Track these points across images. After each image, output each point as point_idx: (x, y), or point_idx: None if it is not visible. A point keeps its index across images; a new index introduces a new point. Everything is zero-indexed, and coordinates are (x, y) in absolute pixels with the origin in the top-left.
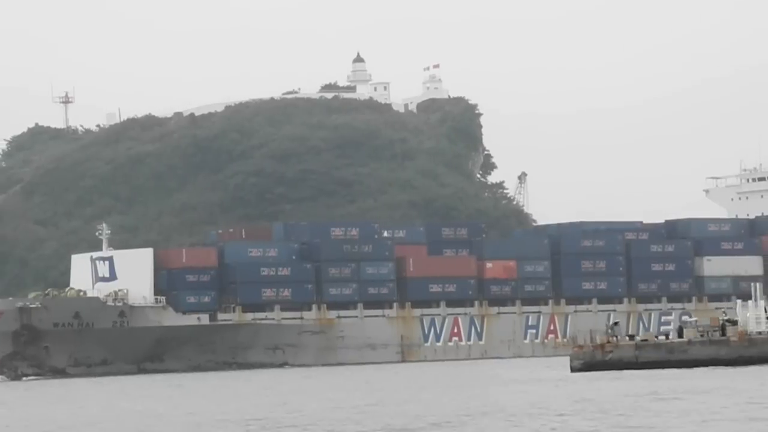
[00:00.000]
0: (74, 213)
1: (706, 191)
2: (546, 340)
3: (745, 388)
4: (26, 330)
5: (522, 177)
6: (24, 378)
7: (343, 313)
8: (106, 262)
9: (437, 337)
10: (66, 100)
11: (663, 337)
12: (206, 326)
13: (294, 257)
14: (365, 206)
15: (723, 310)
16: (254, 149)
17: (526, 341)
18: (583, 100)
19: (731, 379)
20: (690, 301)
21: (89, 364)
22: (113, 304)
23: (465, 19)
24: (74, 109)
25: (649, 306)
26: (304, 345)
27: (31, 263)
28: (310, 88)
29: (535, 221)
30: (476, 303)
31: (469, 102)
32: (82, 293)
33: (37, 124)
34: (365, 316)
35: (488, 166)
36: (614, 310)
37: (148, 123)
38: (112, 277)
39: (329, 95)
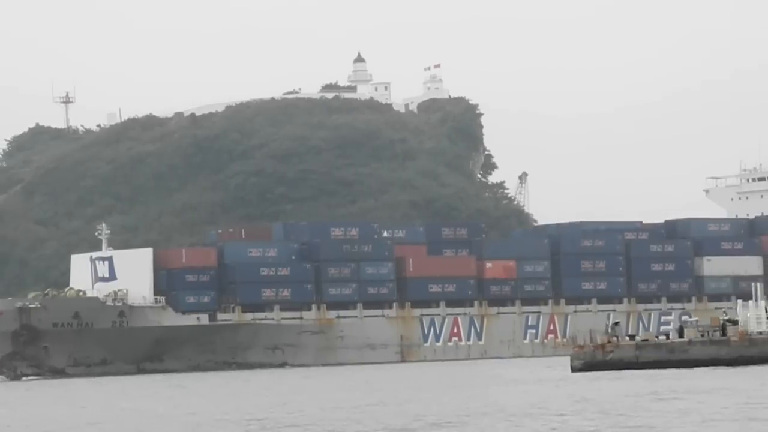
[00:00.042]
0: (75, 213)
1: (706, 191)
2: (546, 340)
3: (746, 388)
4: (26, 330)
5: (523, 177)
6: (23, 378)
7: (342, 313)
8: (106, 262)
9: (437, 337)
10: (67, 100)
11: (663, 337)
12: (206, 326)
13: (294, 257)
14: (366, 206)
15: (723, 310)
16: (255, 149)
17: (526, 341)
18: (583, 101)
19: (732, 379)
20: (690, 301)
21: (88, 364)
22: (113, 304)
23: (466, 20)
24: (75, 109)
25: (649, 306)
26: (303, 345)
27: (31, 263)
28: (310, 88)
29: (535, 221)
30: (476, 303)
31: (470, 102)
32: (81, 293)
33: (37, 124)
34: (365, 316)
35: (489, 166)
36: (614, 310)
37: (149, 123)
38: (112, 277)
39: (330, 95)
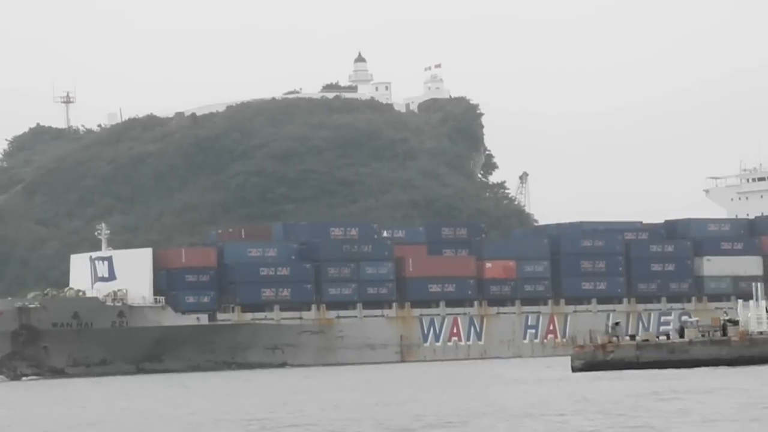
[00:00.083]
0: (75, 213)
1: (706, 191)
2: (545, 340)
3: (747, 388)
4: (25, 330)
5: (523, 177)
6: (23, 378)
7: (342, 313)
8: (105, 262)
9: (437, 337)
10: (67, 100)
11: (664, 337)
12: (205, 326)
13: (293, 257)
14: (366, 206)
15: (724, 310)
16: (256, 149)
17: (526, 341)
18: (583, 101)
19: (732, 379)
20: (689, 301)
21: (88, 364)
22: (112, 304)
23: (466, 19)
24: (75, 109)
25: (649, 306)
26: (303, 345)
27: (32, 263)
28: (311, 88)
29: (536, 221)
30: (476, 303)
31: (471, 102)
32: (81, 293)
33: (38, 124)
34: (364, 316)
35: (489, 166)
36: (614, 310)
37: (150, 123)
38: (111, 277)
39: (330, 95)
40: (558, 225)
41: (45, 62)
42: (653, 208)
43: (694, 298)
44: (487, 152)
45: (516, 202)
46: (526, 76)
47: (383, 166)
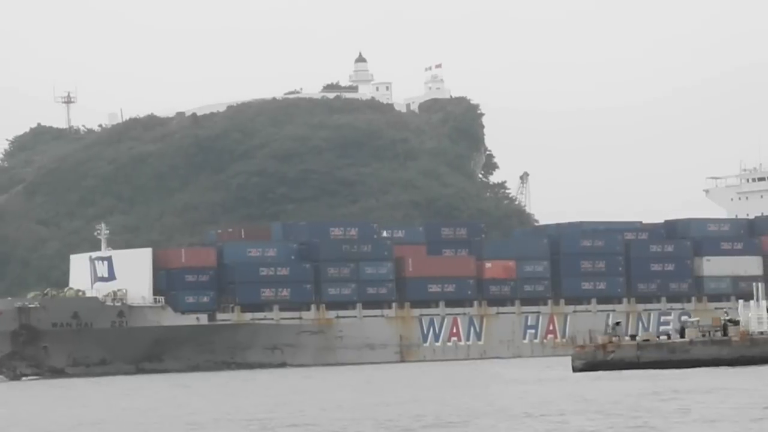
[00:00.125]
0: (76, 213)
1: (706, 191)
2: (545, 340)
3: (747, 388)
4: (25, 330)
5: (524, 177)
6: (23, 378)
7: (341, 313)
8: (105, 262)
9: (436, 337)
10: (68, 100)
11: (664, 337)
12: (205, 326)
13: (293, 257)
14: (367, 206)
15: (725, 310)
16: (256, 149)
17: (525, 341)
18: (583, 100)
19: (733, 379)
20: (689, 301)
21: (88, 364)
22: (112, 304)
23: (467, 19)
24: (76, 109)
25: (649, 306)
26: (302, 345)
27: (32, 263)
28: (312, 88)
29: (537, 221)
30: (475, 303)
31: (471, 102)
32: (80, 293)
33: (39, 124)
34: (364, 316)
35: (490, 166)
36: (613, 310)
37: (150, 123)
38: (111, 277)
39: (331, 95)
40: (558, 225)
41: (46, 62)
42: (653, 208)
43: (693, 298)
44: (487, 152)
45: (516, 202)
46: (527, 76)
47: (384, 166)
